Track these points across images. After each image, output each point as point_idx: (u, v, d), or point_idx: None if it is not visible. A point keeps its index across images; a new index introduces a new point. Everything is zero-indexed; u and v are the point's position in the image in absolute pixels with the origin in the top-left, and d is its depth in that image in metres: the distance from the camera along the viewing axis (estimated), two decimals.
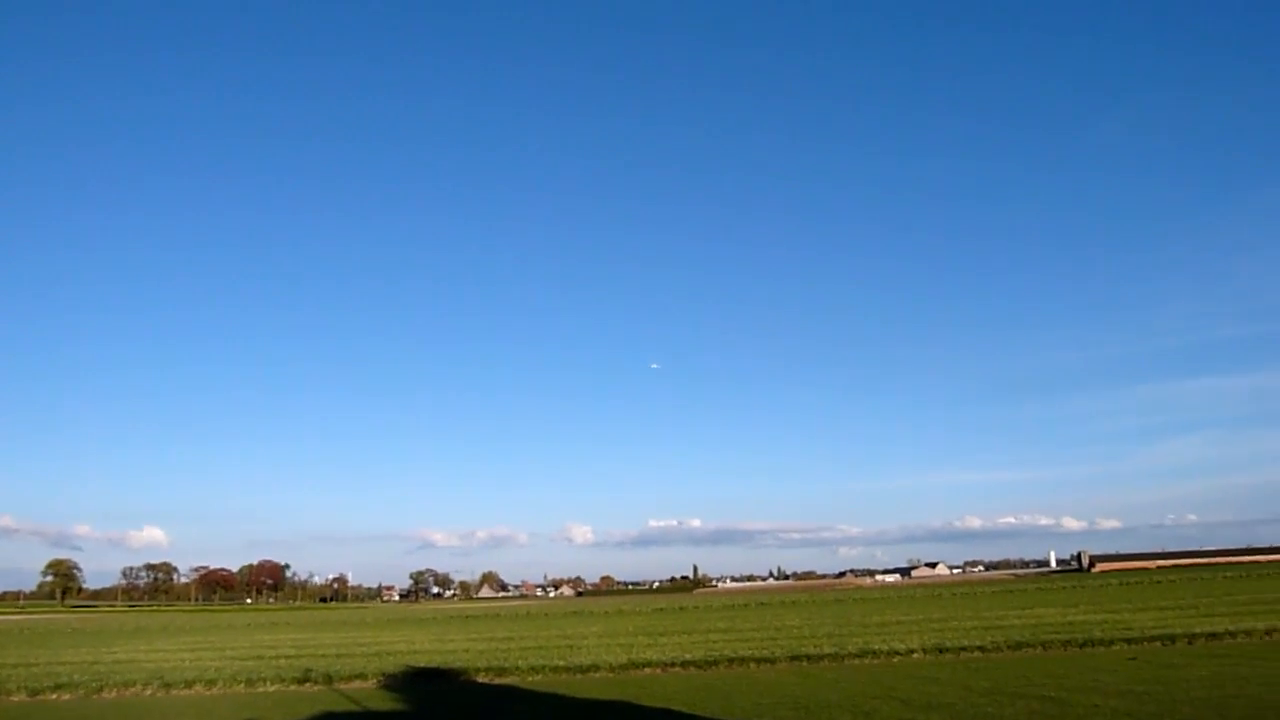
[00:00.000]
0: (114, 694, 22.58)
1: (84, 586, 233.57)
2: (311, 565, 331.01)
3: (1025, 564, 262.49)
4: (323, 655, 32.42)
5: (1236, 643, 22.65)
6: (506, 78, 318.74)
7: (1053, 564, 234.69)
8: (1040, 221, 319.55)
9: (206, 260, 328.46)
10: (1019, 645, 23.85)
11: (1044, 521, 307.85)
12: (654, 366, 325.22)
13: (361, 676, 23.75)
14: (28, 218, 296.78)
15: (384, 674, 24.04)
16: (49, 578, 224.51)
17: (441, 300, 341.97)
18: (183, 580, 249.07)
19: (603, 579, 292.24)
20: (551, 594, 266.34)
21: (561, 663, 24.43)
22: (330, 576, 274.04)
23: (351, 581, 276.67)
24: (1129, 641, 23.39)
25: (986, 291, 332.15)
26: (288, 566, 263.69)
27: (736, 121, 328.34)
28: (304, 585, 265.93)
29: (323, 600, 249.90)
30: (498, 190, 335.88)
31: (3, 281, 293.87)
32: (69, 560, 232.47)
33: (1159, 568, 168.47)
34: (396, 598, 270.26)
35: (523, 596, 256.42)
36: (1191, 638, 23.55)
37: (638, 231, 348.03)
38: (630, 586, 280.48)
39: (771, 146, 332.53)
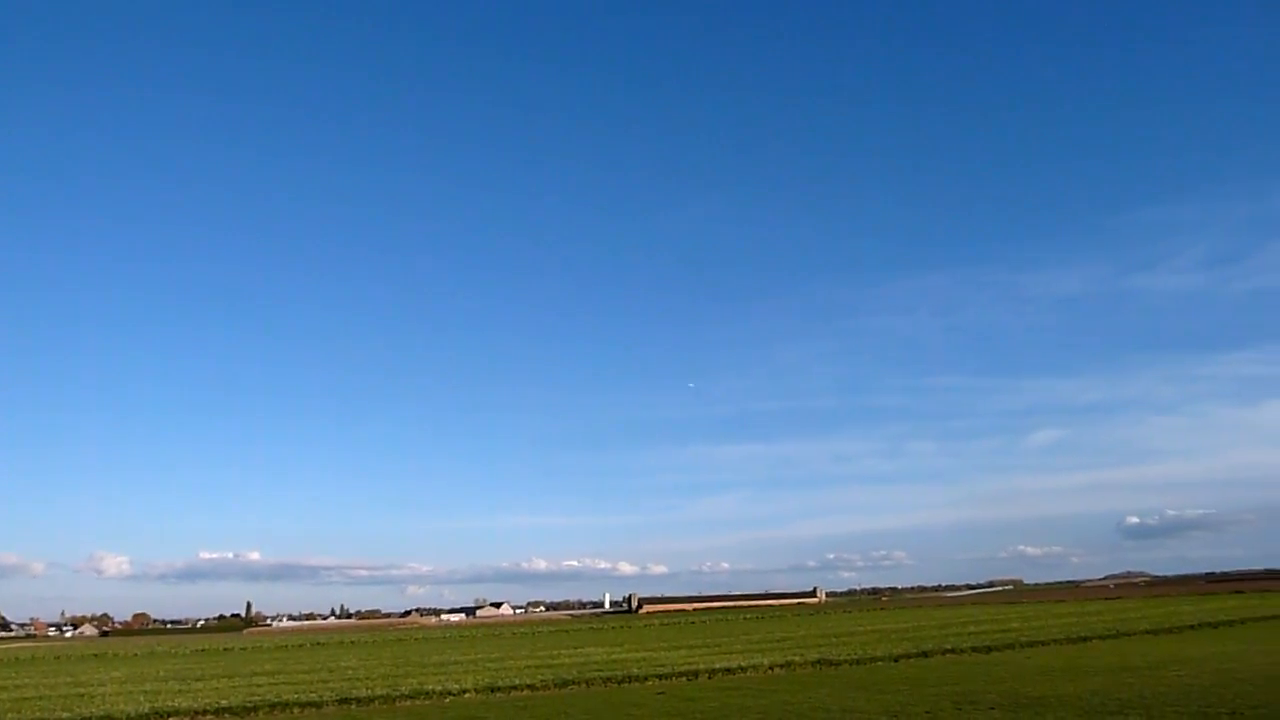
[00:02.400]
0: None
1: None
2: None
3: (584, 605, 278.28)
4: None
5: (747, 676, 25.72)
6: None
7: (607, 605, 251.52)
8: (619, 291, 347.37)
9: None
10: (565, 683, 25.04)
11: (602, 565, 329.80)
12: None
13: None
14: None
15: None
16: None
17: None
18: None
19: (135, 617, 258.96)
20: (69, 634, 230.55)
21: (64, 714, 21.14)
22: None
23: None
24: (661, 677, 25.59)
25: (563, 348, 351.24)
26: None
27: None
28: None
29: None
30: None
31: None
32: None
33: (695, 609, 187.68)
34: None
35: (30, 637, 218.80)
36: (712, 672, 26.34)
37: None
38: (170, 625, 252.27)
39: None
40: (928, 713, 16.36)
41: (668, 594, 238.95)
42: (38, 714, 21.41)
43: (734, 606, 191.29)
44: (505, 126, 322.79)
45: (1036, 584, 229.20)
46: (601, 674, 26.55)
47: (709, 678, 25.69)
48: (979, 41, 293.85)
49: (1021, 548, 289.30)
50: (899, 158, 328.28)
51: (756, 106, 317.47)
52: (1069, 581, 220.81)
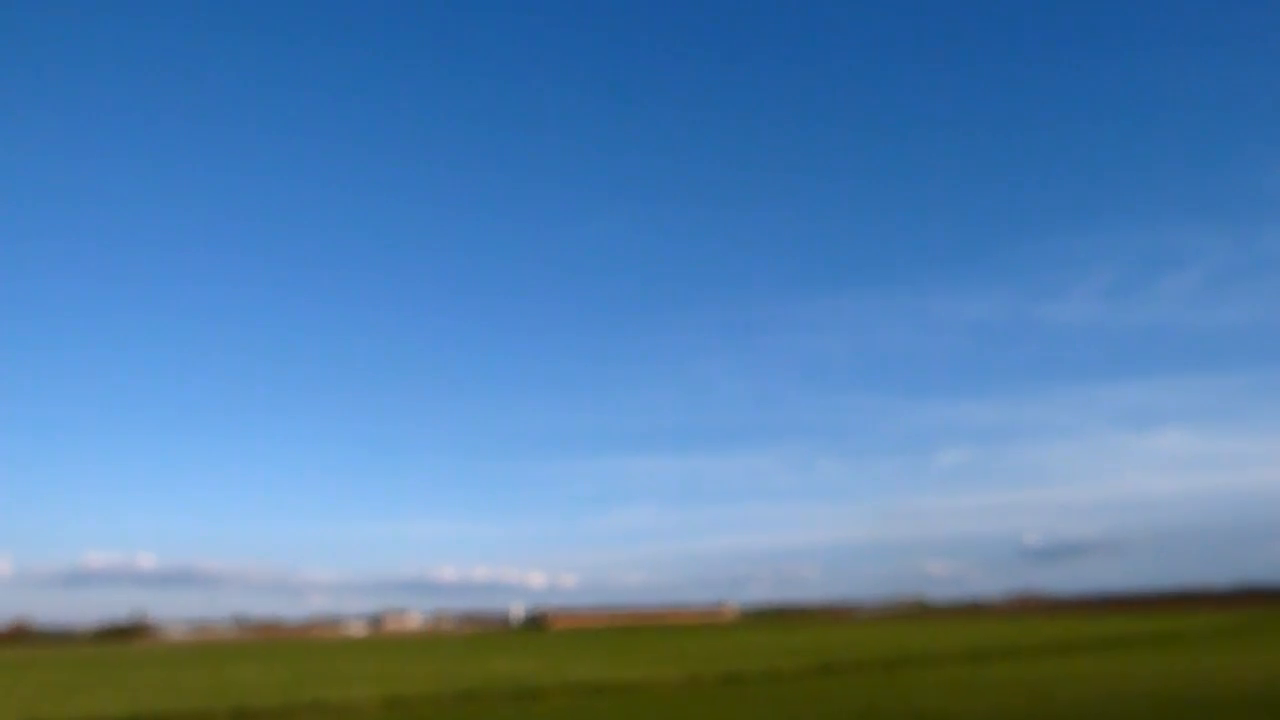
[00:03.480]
0: None
1: None
2: None
3: (493, 616, 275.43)
4: None
5: (654, 691, 25.58)
6: None
7: (516, 616, 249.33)
8: (531, 301, 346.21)
9: None
10: (470, 696, 24.51)
11: (512, 575, 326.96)
12: None
13: None
14: None
15: None
16: None
17: None
18: None
19: (14, 625, 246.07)
20: None
21: None
22: None
23: None
24: (568, 692, 25.25)
25: (473, 356, 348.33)
26: None
27: None
28: None
29: None
30: None
31: None
32: None
33: (606, 622, 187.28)
34: None
35: None
36: (620, 688, 26.11)
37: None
38: (53, 634, 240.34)
39: None
40: None
41: (578, 604, 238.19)
42: None
43: (644, 620, 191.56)
44: (399, 129, 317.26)
45: (940, 601, 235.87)
46: (507, 688, 26.09)
47: (616, 694, 25.46)
48: (892, 64, 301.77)
49: (927, 566, 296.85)
50: (813, 178, 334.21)
51: (670, 120, 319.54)
52: (971, 600, 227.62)
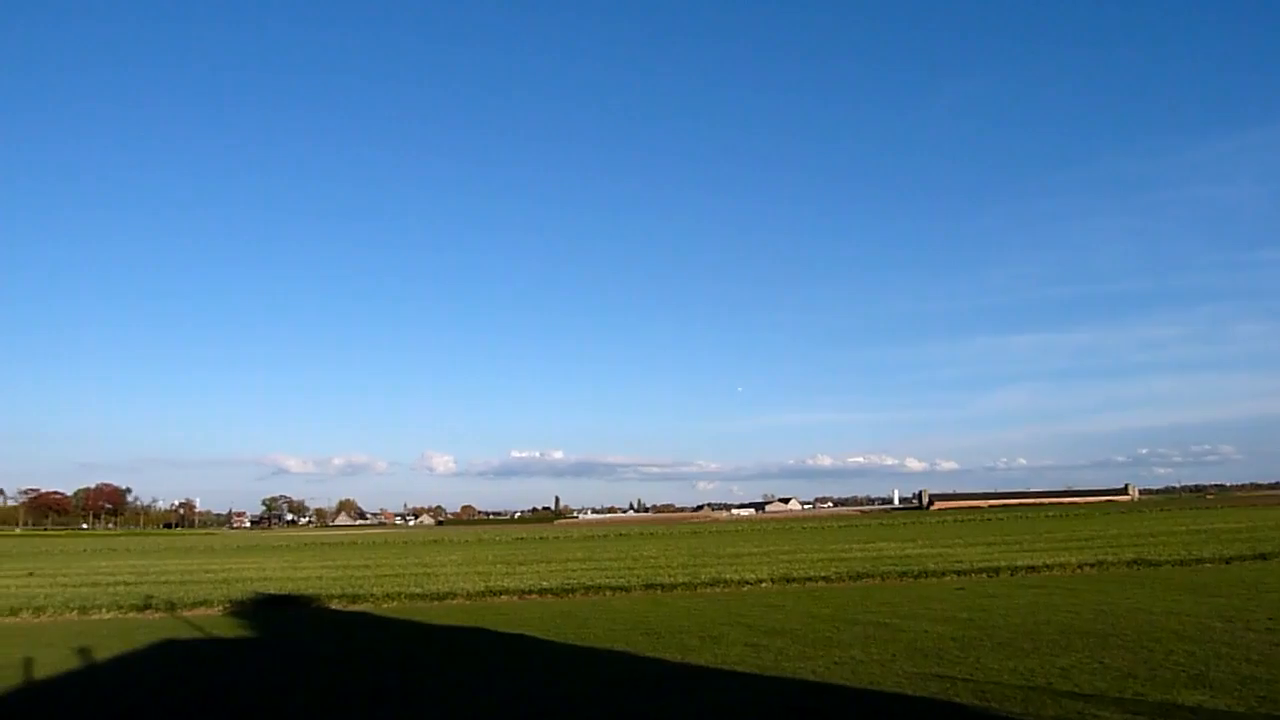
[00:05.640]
0: None
1: None
2: (155, 490, 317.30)
3: (871, 501, 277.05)
4: (165, 582, 31.24)
5: (1052, 575, 24.56)
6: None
7: (896, 501, 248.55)
8: (894, 181, 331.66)
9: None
10: (859, 576, 25.18)
11: (889, 461, 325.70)
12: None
13: (207, 603, 23.04)
14: None
15: (231, 600, 23.40)
16: None
17: (293, 219, 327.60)
18: (9, 503, 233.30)
19: (464, 508, 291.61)
20: (411, 523, 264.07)
21: (417, 590, 24.33)
22: (176, 502, 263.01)
23: (200, 507, 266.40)
24: (958, 573, 25.04)
25: (844, 238, 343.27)
26: (128, 490, 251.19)
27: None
28: (146, 510, 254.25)
29: (168, 526, 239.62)
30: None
31: None
32: None
33: (990, 506, 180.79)
34: (248, 524, 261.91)
35: (381, 525, 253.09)
36: (1014, 570, 25.40)
37: (491, 157, 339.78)
38: (491, 516, 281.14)
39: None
40: (1271, 619, 14.82)
41: (959, 490, 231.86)
42: (398, 588, 24.84)
43: (1032, 504, 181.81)
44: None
45: None
46: (896, 568, 26.42)
47: (1010, 575, 24.80)
48: None
49: None
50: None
51: None
52: None
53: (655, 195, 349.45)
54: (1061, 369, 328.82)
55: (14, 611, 21.97)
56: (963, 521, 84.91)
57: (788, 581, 24.64)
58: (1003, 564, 26.62)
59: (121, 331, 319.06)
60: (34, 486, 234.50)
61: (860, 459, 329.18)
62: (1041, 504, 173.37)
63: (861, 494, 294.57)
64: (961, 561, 28.27)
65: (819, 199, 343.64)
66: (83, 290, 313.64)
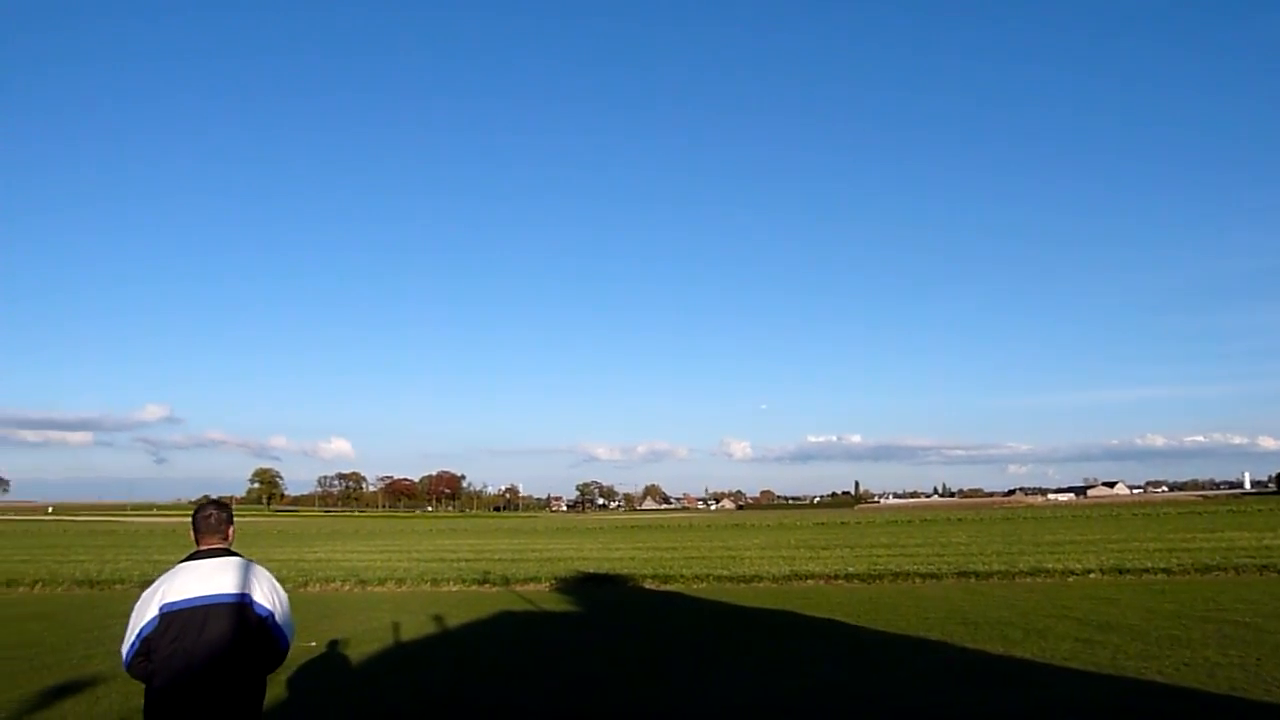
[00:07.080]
0: (318, 588, 24.79)
1: (285, 493, 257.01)
2: (484, 476, 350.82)
3: (1215, 485, 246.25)
4: (498, 559, 34.37)
5: None
6: None
7: (1247, 485, 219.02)
8: (1233, 125, 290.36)
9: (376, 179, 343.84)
10: (1207, 569, 22.61)
11: (1237, 440, 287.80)
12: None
13: (535, 579, 25.10)
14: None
15: (556, 577, 25.32)
16: (255, 485, 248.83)
17: (595, 217, 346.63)
18: (370, 489, 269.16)
19: (763, 493, 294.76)
20: (713, 507, 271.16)
21: (725, 572, 24.98)
22: (502, 487, 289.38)
23: (522, 492, 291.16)
24: None
25: (1169, 195, 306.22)
26: (463, 477, 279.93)
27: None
28: (478, 495, 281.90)
29: (496, 509, 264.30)
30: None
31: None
32: (272, 469, 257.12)
33: None
34: (564, 508, 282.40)
35: (684, 509, 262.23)
36: None
37: (761, 138, 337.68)
38: (790, 501, 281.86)
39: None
40: None
41: None
42: (706, 570, 25.68)
43: None
44: None
45: None
46: (1254, 561, 23.38)
47: None
48: None
49: None
50: None
51: None
52: None
53: (939, 156, 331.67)
54: None
55: (381, 582, 25.21)
56: None
57: (1120, 573, 22.63)
58: None
59: (454, 334, 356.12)
60: (389, 474, 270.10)
61: (1200, 437, 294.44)
62: None
63: (1202, 477, 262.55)
64: None
65: (1141, 143, 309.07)
66: (428, 307, 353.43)
